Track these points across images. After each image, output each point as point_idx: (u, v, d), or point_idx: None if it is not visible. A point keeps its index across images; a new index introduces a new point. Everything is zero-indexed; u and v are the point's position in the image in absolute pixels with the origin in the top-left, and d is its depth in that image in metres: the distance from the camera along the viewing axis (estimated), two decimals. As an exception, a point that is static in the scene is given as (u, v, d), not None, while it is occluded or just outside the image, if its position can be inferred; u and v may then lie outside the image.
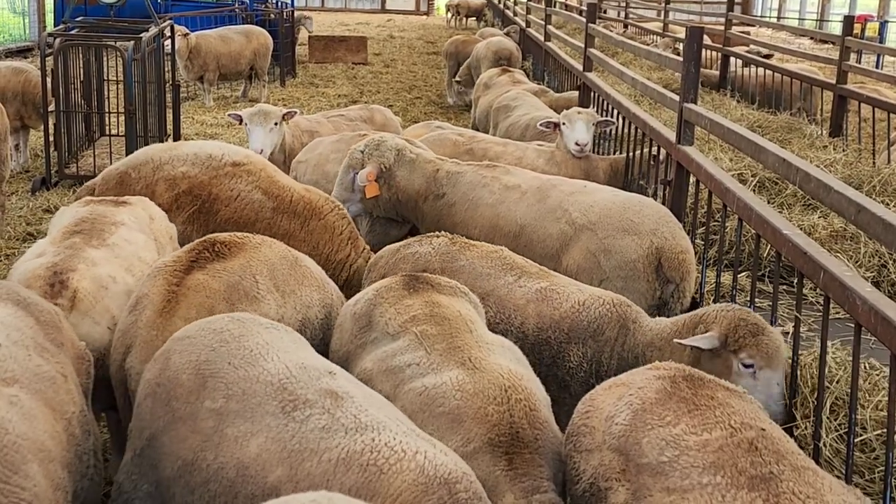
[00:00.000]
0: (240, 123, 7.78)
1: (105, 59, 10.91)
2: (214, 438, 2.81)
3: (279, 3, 20.46)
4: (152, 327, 3.69)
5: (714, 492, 2.53)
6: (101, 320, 4.02)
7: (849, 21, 11.52)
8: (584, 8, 10.91)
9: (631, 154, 6.95)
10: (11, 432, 2.45)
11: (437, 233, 4.71)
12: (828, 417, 3.99)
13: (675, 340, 3.92)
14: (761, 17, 31.63)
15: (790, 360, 4.04)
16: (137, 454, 3.06)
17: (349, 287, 5.32)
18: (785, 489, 2.47)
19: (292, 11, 19.43)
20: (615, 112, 7.81)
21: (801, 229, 4.76)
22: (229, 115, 7.92)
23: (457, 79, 15.00)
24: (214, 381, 2.95)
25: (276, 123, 7.60)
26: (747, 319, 3.89)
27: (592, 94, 9.29)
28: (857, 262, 6.64)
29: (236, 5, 18.42)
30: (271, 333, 3.21)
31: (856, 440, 3.72)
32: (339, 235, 5.57)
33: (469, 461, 2.86)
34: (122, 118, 9.48)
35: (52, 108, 9.31)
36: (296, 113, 7.97)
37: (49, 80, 9.21)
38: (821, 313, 3.90)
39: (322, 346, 3.99)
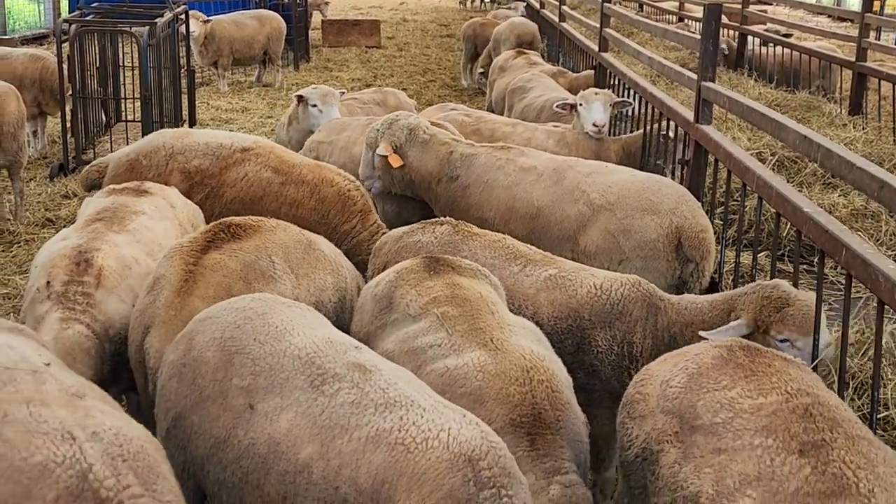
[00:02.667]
0: (298, 104, 7.85)
1: (121, 44, 10.93)
2: (245, 415, 2.82)
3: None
4: (170, 307, 3.71)
5: (763, 454, 2.53)
6: (127, 298, 4.06)
7: (868, -3, 11.36)
8: (600, -12, 10.80)
9: (647, 133, 6.90)
10: (135, 438, 2.34)
11: (440, 219, 4.66)
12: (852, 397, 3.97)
13: (701, 333, 3.78)
14: (778, -6, 31.25)
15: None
16: (163, 437, 3.07)
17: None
18: (835, 457, 2.45)
19: (305, -4, 19.36)
20: (632, 92, 7.76)
21: (821, 208, 4.72)
22: (294, 95, 7.98)
23: (479, 69, 14.91)
24: (241, 358, 2.96)
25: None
26: (771, 296, 3.85)
27: (608, 74, 9.23)
28: (877, 240, 6.60)
29: (249, -10, 18.39)
30: (294, 311, 3.23)
31: (879, 417, 3.71)
32: (353, 206, 5.56)
33: (491, 442, 2.85)
34: (138, 104, 9.50)
35: (69, 94, 9.33)
36: (344, 93, 8.26)
37: (65, 66, 9.23)
38: (842, 293, 3.87)
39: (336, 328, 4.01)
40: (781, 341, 3.78)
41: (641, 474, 2.92)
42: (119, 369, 3.96)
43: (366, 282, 4.48)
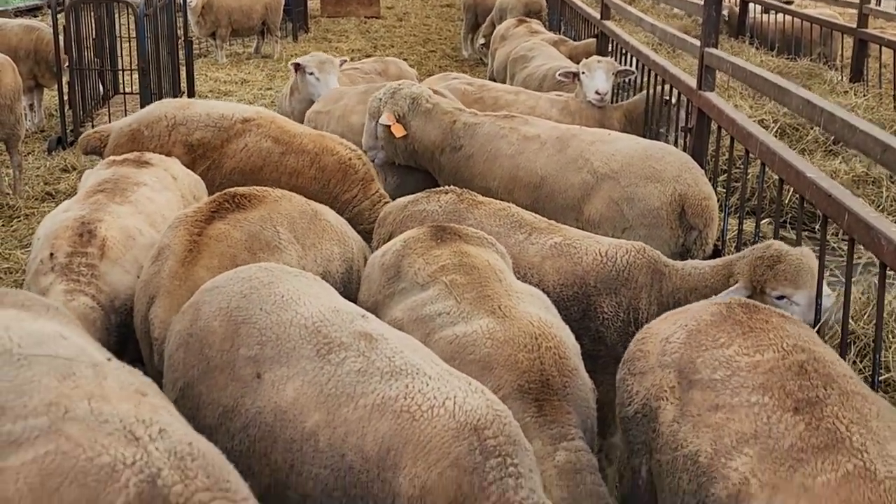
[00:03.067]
0: (296, 72, 7.76)
1: (117, 15, 10.83)
2: (253, 384, 2.84)
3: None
4: (175, 277, 3.71)
5: (760, 412, 2.57)
6: (131, 269, 4.05)
7: (870, -37, 11.26)
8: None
9: (649, 99, 6.87)
10: (197, 438, 2.18)
11: (445, 188, 4.66)
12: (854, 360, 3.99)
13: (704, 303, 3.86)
14: (778, -39, 30.97)
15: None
16: None
17: None
18: (829, 413, 2.49)
19: (303, -35, 19.15)
20: (634, 60, 7.72)
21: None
22: (291, 63, 7.88)
23: (481, 39, 14.77)
24: (247, 328, 2.97)
25: None
26: (764, 255, 3.91)
27: (610, 42, 9.17)
28: (878, 206, 6.60)
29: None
30: (300, 280, 3.23)
31: (880, 379, 3.73)
32: (354, 174, 5.54)
33: (498, 408, 2.87)
34: (135, 76, 9.44)
35: (65, 66, 9.26)
36: (345, 61, 8.18)
37: (61, 37, 9.15)
38: (844, 259, 3.88)
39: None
40: (778, 298, 3.83)
41: (642, 430, 2.95)
42: (125, 340, 3.97)
43: (370, 251, 4.48)
